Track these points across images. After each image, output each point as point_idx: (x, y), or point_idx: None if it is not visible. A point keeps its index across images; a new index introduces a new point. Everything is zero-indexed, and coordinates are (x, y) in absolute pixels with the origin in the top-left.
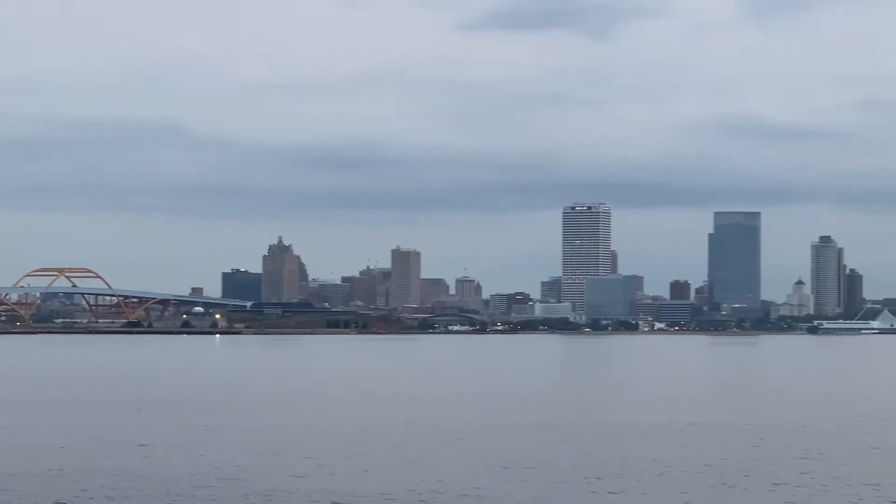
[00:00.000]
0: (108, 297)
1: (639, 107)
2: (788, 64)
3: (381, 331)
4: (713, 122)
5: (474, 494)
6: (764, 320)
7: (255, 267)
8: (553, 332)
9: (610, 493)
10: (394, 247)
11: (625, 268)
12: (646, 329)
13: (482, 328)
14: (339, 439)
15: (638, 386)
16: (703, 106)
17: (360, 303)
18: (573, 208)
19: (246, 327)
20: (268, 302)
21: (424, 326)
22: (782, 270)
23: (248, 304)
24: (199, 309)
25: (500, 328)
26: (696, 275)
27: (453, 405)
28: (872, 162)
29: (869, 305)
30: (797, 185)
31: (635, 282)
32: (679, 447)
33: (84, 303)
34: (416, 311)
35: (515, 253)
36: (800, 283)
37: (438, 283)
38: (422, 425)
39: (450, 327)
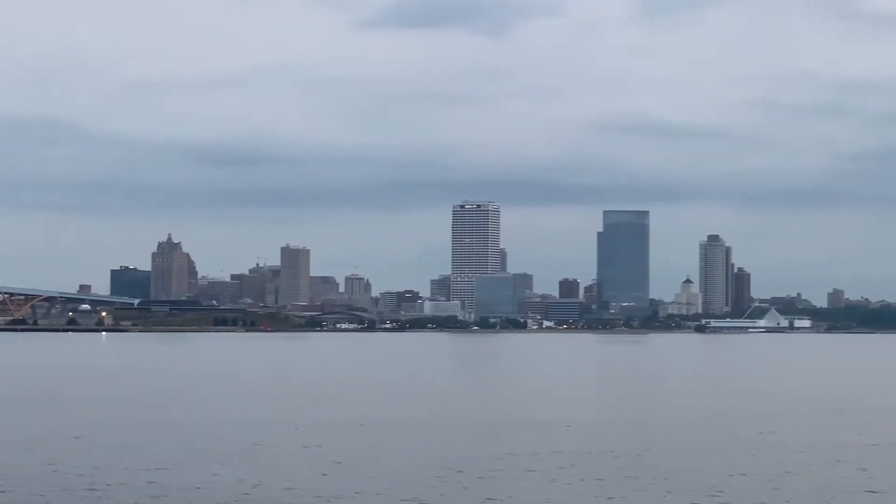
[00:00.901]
0: None
1: (532, 105)
2: (681, 63)
3: (268, 329)
4: (606, 120)
5: (315, 492)
6: (652, 319)
7: (145, 264)
8: (441, 331)
9: (468, 487)
10: (284, 244)
11: (514, 266)
12: (534, 327)
13: (370, 326)
14: (189, 435)
15: (516, 383)
16: (596, 104)
17: (249, 300)
18: (462, 207)
19: (133, 325)
20: (156, 300)
21: (312, 324)
22: (671, 269)
23: (136, 301)
24: (85, 307)
25: (388, 326)
26: (586, 273)
27: (298, 402)
28: (763, 161)
29: (756, 304)
30: (686, 184)
31: (524, 280)
32: (559, 442)
33: None
34: (306, 308)
35: (405, 251)
36: (688, 281)
37: (328, 281)
38: (278, 422)
39: (338, 325)
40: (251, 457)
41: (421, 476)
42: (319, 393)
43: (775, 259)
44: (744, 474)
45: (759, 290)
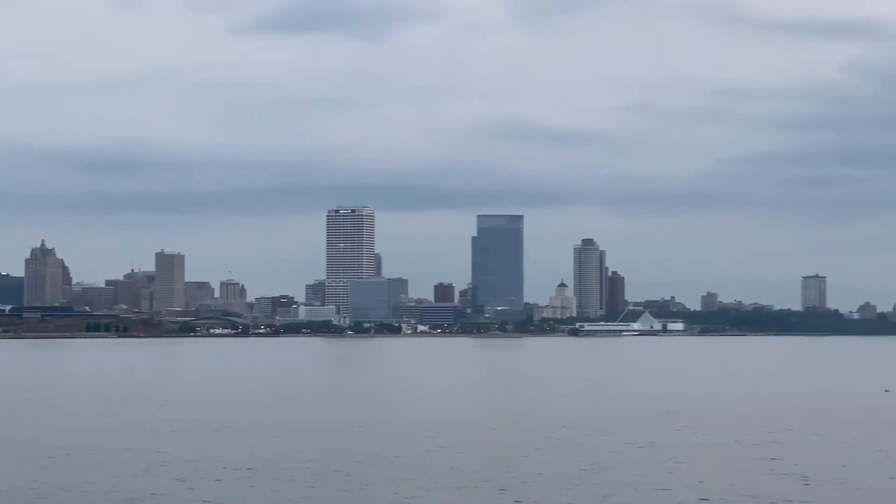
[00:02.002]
0: None
1: (410, 109)
2: (560, 68)
3: (141, 334)
4: (483, 125)
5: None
6: (527, 322)
7: (18, 271)
8: (316, 335)
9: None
10: (158, 250)
11: (389, 271)
12: (409, 331)
13: (244, 331)
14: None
15: (372, 387)
16: (474, 109)
17: (124, 306)
18: (337, 212)
19: (3, 332)
20: (28, 306)
21: (186, 329)
22: (545, 273)
23: (7, 308)
24: None
25: (262, 331)
26: (461, 277)
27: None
28: (641, 165)
29: (630, 307)
30: (563, 189)
31: (399, 285)
32: (422, 444)
33: None
34: (180, 314)
35: (281, 256)
36: (562, 285)
37: (203, 287)
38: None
39: (211, 330)
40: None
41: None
42: (169, 398)
43: (650, 262)
44: (541, 473)
45: (634, 294)
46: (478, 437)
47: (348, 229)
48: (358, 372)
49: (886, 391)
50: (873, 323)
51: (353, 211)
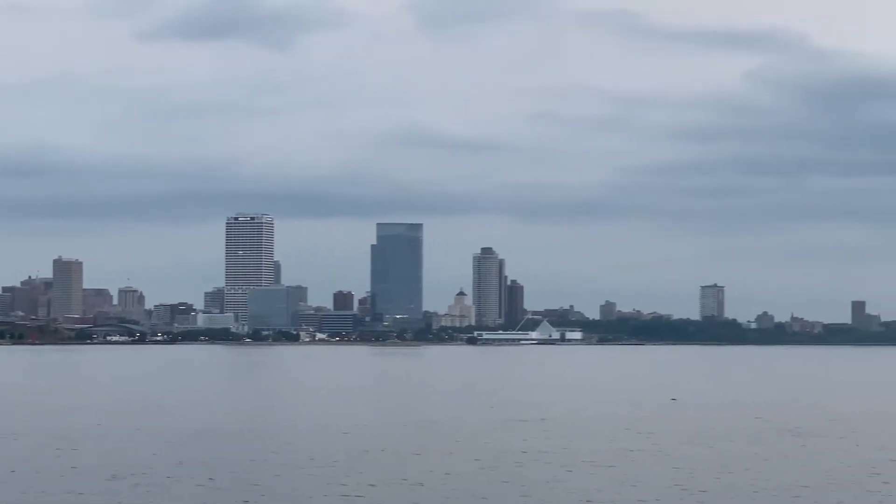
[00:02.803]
0: None
1: (312, 117)
2: (461, 76)
3: (36, 341)
4: (385, 133)
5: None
6: (426, 331)
7: None
8: (213, 343)
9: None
10: (56, 256)
11: (288, 278)
12: (307, 339)
13: (141, 338)
14: None
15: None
16: (376, 117)
17: (20, 313)
18: (236, 219)
19: None
20: None
21: (82, 337)
22: (444, 281)
23: None
24: None
25: (160, 339)
26: (360, 286)
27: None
28: (540, 174)
29: (529, 316)
30: (463, 197)
31: (299, 292)
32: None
33: None
34: (78, 321)
35: (180, 263)
36: (461, 293)
37: (102, 294)
38: None
39: (108, 338)
40: None
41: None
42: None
43: (550, 271)
44: (373, 484)
45: (533, 303)
46: (328, 441)
47: (247, 237)
48: (235, 380)
49: (673, 399)
50: (771, 332)
51: (252, 218)
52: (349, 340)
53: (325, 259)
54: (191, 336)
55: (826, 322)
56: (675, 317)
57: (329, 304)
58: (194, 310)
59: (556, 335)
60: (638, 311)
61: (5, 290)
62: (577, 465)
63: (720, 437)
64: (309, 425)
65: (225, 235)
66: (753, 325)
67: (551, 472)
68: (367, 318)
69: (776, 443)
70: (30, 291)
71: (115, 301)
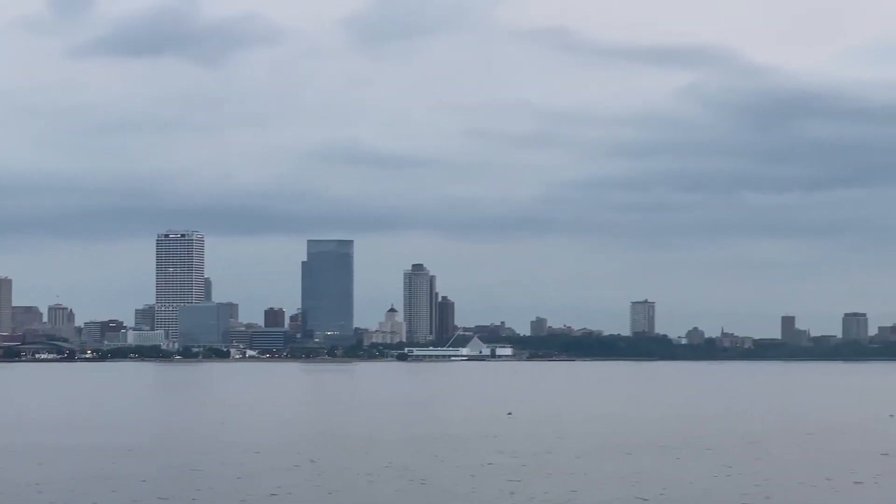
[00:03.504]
0: None
1: (246, 133)
2: (395, 92)
3: None
4: (319, 149)
5: None
6: (356, 347)
7: None
8: (143, 360)
9: None
10: None
11: (219, 295)
12: (237, 356)
13: (70, 356)
14: None
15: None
16: (310, 133)
17: None
18: (167, 236)
19: None
20: None
21: (11, 354)
22: (376, 298)
23: None
24: None
25: (89, 356)
26: (291, 302)
27: None
28: (475, 190)
29: (460, 332)
30: (395, 213)
31: (229, 309)
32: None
33: None
34: (7, 339)
35: (110, 280)
36: (392, 310)
37: (31, 311)
38: None
39: (37, 355)
40: None
41: None
42: None
43: (481, 288)
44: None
45: (464, 319)
46: (237, 457)
47: (178, 254)
48: (156, 398)
49: (509, 413)
50: (701, 348)
51: (182, 235)
52: (280, 357)
53: (256, 276)
54: (121, 353)
55: (756, 337)
56: (606, 332)
57: (260, 320)
58: (124, 327)
59: (486, 351)
60: (569, 326)
61: None
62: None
63: (511, 452)
64: (223, 442)
65: (155, 252)
66: (684, 341)
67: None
68: (298, 335)
69: (558, 459)
70: None
71: (44, 318)
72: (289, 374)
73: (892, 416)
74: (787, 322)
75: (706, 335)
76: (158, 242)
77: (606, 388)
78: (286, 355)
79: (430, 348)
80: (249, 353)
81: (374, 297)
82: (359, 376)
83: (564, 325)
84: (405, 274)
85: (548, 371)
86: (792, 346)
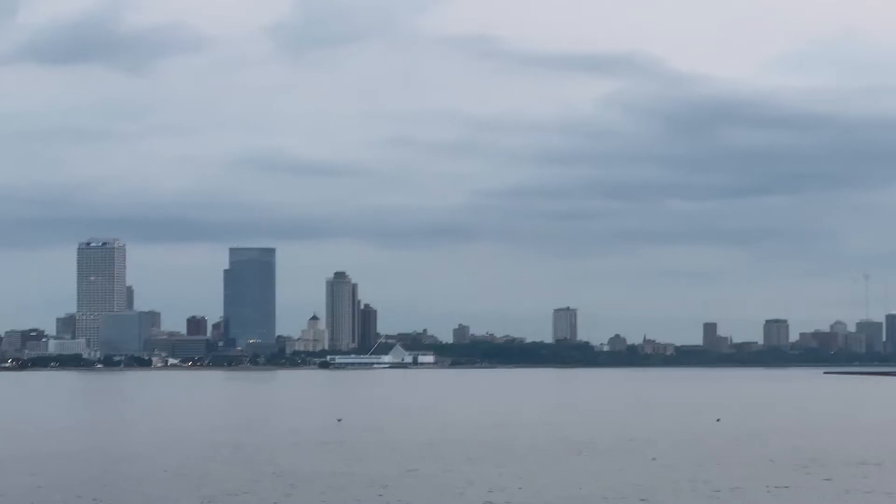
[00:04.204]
0: None
1: (168, 142)
2: (319, 100)
3: None
4: (242, 157)
5: None
6: (279, 355)
7: None
8: (64, 369)
9: None
10: None
11: (141, 304)
12: (159, 365)
13: None
14: None
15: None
16: (232, 142)
17: None
18: (88, 244)
19: None
20: None
21: None
22: (298, 306)
23: None
24: None
25: (8, 365)
26: (213, 311)
27: None
28: (397, 198)
29: (382, 340)
30: (318, 222)
31: (152, 318)
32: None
33: None
34: None
35: (31, 289)
36: (315, 318)
37: None
38: None
39: None
40: None
41: None
42: None
43: (405, 295)
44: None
45: (387, 327)
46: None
47: (100, 262)
48: (73, 408)
49: (338, 420)
50: (623, 355)
51: (104, 244)
52: (202, 365)
53: (178, 284)
54: (42, 362)
55: (678, 344)
56: (529, 340)
57: (182, 329)
58: (46, 336)
59: (408, 359)
60: (491, 334)
61: None
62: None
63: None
64: (128, 449)
65: (77, 261)
66: (606, 348)
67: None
68: (221, 343)
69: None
70: None
71: None
72: (212, 383)
73: (718, 420)
74: (709, 329)
75: (628, 342)
76: (80, 251)
77: (491, 395)
78: (208, 364)
79: (353, 356)
80: (171, 361)
81: (297, 305)
82: (286, 385)
83: (487, 333)
84: (327, 282)
85: (457, 379)
86: (713, 352)
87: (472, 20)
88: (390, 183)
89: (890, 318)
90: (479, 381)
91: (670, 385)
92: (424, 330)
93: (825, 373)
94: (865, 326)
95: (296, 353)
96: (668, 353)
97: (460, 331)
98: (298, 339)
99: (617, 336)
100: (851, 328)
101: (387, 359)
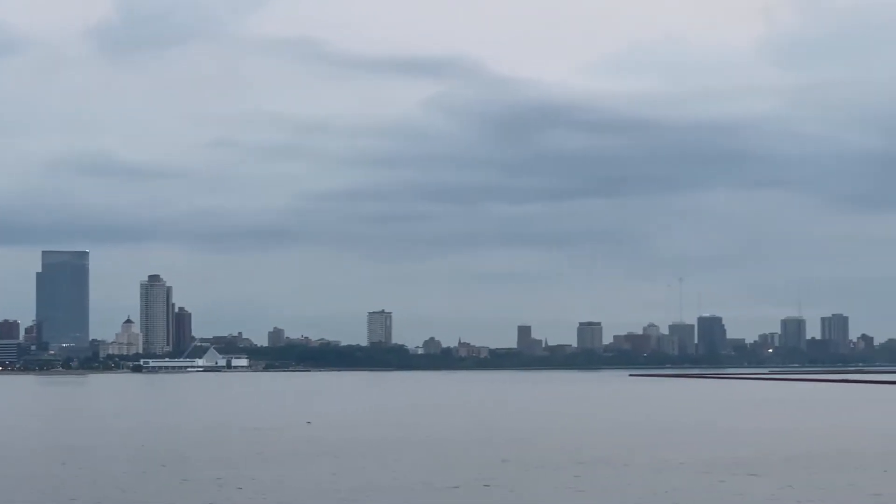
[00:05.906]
0: None
1: None
2: (141, 102)
3: None
4: (60, 159)
5: None
6: (93, 359)
7: None
8: None
9: None
10: None
11: None
12: None
13: None
14: None
15: None
16: (50, 143)
17: None
18: None
19: None
20: None
21: None
22: (112, 309)
23: None
24: None
25: None
26: (26, 314)
27: None
28: (218, 201)
29: (197, 343)
30: (135, 224)
31: None
32: None
33: None
34: None
35: None
36: (129, 321)
37: None
38: None
39: None
40: None
41: None
42: None
43: (221, 299)
44: None
45: (202, 330)
46: None
47: None
48: None
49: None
50: (438, 357)
51: None
52: (14, 370)
53: None
54: None
55: (493, 347)
56: (344, 343)
57: None
58: None
59: (222, 362)
60: (306, 337)
61: None
62: None
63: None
64: None
65: None
66: (420, 351)
67: None
68: (33, 347)
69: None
70: None
71: None
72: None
73: (308, 422)
74: (524, 331)
75: (443, 345)
76: None
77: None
78: (20, 368)
79: (167, 360)
80: None
81: (111, 309)
82: (93, 389)
83: (302, 336)
84: (142, 285)
85: (265, 383)
86: (527, 355)
87: (296, 23)
88: (213, 185)
89: (702, 320)
90: (273, 384)
91: (451, 387)
92: (239, 333)
93: (630, 375)
94: (678, 329)
95: (109, 356)
96: (482, 355)
97: (275, 334)
98: (113, 342)
99: (432, 339)
100: (664, 330)
101: (200, 362)
